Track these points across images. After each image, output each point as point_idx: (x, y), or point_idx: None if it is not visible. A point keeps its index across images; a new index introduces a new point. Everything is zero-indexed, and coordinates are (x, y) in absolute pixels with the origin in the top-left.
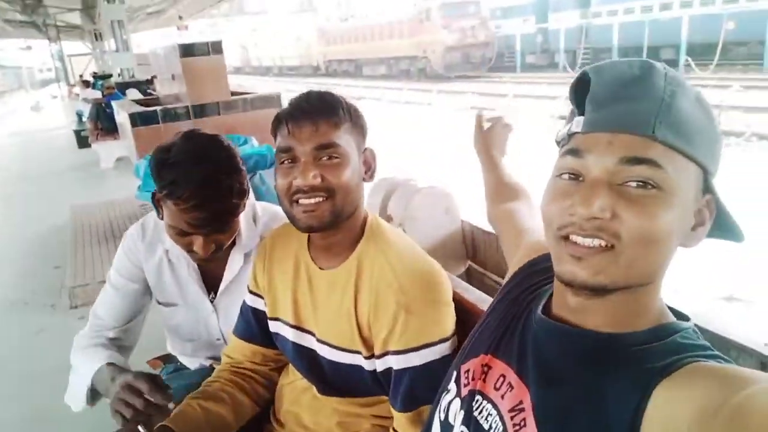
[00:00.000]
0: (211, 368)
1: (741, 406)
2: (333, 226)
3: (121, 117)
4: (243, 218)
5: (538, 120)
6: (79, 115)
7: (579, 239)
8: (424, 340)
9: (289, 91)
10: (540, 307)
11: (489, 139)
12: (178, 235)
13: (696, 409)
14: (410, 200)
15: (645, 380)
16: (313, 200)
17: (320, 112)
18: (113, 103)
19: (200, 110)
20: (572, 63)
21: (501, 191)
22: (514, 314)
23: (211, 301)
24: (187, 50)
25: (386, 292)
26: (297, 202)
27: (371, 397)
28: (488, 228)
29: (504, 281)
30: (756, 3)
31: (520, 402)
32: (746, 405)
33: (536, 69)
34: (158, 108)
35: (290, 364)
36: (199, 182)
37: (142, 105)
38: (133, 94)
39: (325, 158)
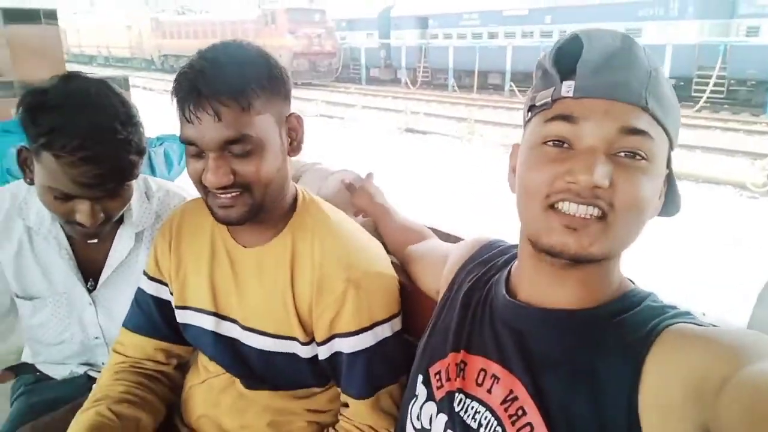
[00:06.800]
0: (86, 376)
1: (757, 390)
2: (255, 217)
3: None
4: (135, 191)
5: (387, 131)
6: None
7: (573, 207)
8: (376, 318)
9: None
10: (503, 294)
11: (365, 192)
12: (58, 200)
13: (691, 378)
14: (322, 183)
15: (633, 354)
16: (229, 195)
17: (223, 94)
18: None
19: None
20: (413, 80)
21: (407, 236)
22: (474, 307)
23: (89, 291)
24: (13, 15)
25: (334, 266)
26: (211, 193)
27: (304, 389)
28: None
29: (440, 289)
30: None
31: (511, 392)
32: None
33: (380, 83)
34: None
35: (199, 362)
36: (90, 129)
37: None
38: None
39: (235, 152)
